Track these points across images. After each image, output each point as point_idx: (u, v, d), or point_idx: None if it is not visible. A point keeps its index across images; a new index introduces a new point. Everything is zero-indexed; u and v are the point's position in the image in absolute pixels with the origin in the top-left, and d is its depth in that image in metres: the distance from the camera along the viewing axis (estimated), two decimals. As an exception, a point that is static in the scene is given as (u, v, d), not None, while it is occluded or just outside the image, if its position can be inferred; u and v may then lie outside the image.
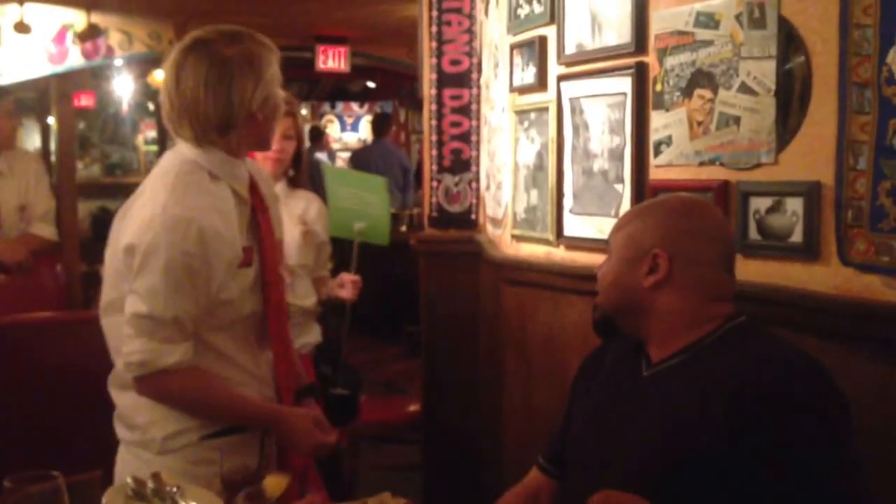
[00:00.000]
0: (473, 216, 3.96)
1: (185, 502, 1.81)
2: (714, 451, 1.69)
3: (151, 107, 11.68)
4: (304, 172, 3.72)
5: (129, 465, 2.32)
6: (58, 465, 1.56)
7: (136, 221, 2.20)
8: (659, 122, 2.56)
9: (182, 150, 2.28)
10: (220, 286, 2.23)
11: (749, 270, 2.25)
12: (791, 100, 2.18)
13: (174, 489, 1.84)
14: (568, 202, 2.97)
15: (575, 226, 2.94)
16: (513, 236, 3.37)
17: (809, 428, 1.66)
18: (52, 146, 8.86)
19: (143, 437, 2.31)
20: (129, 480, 1.86)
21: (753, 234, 2.27)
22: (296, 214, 3.56)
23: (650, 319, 1.92)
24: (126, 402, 2.34)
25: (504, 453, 3.43)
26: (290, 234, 3.34)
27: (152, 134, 12.06)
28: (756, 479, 1.65)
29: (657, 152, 2.57)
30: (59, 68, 5.50)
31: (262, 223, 2.35)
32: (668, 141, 2.53)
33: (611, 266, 2.00)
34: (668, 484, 1.71)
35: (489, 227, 3.76)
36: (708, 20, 2.38)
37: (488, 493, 2.25)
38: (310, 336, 3.63)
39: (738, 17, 2.30)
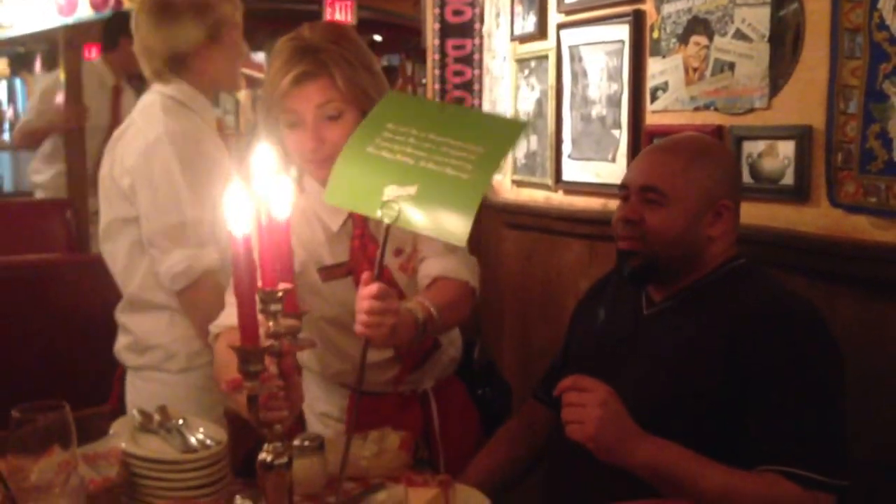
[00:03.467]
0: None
1: (190, 434, 1.86)
2: (711, 388, 1.74)
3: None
4: None
5: (141, 392, 2.42)
6: (67, 399, 1.61)
7: (136, 147, 2.36)
8: (656, 69, 2.59)
9: (156, 88, 2.47)
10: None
11: (742, 212, 2.28)
12: (784, 46, 2.21)
13: (180, 422, 1.89)
14: (567, 148, 3.00)
15: (573, 171, 2.98)
16: (513, 181, 3.40)
17: (800, 368, 1.71)
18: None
19: (164, 355, 2.41)
20: (135, 413, 1.93)
21: (746, 177, 2.30)
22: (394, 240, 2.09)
23: (695, 266, 1.90)
24: (143, 324, 2.44)
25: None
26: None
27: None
28: (747, 414, 1.71)
29: (654, 98, 2.60)
30: (69, 20, 5.49)
31: None
32: (664, 87, 2.56)
33: (674, 216, 1.87)
34: (666, 419, 1.75)
35: (491, 175, 3.79)
36: (704, -34, 2.40)
37: (488, 430, 2.31)
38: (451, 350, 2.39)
39: (733, -37, 2.32)
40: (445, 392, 2.32)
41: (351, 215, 2.12)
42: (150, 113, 2.42)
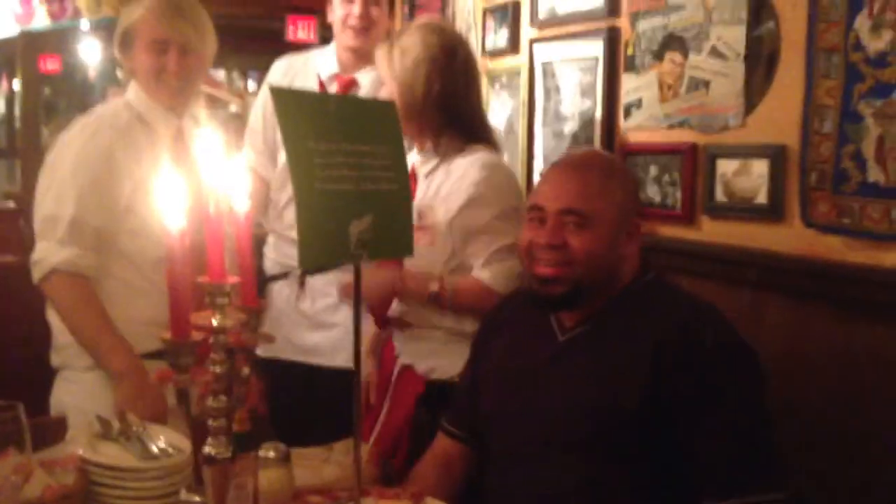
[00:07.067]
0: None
1: (151, 442, 1.80)
2: (641, 404, 1.72)
3: (119, 74, 11.43)
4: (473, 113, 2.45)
5: (61, 392, 2.41)
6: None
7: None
8: (630, 85, 2.58)
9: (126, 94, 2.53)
10: (126, 208, 2.35)
11: (715, 231, 2.29)
12: (759, 65, 2.21)
13: (141, 428, 1.83)
14: (538, 164, 2.98)
15: (544, 188, 2.96)
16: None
17: (723, 373, 1.71)
18: (17, 111, 8.68)
19: (74, 352, 2.37)
20: (94, 419, 1.86)
21: (720, 196, 2.30)
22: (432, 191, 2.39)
23: (609, 287, 1.88)
24: (54, 320, 2.42)
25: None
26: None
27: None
28: (677, 425, 1.69)
29: (627, 115, 2.60)
30: (26, 28, 5.40)
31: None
32: (638, 104, 2.55)
33: (598, 238, 1.84)
34: (595, 444, 1.73)
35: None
36: (680, -16, 2.40)
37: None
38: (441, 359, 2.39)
39: (710, -18, 2.32)
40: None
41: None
42: (95, 112, 2.49)
